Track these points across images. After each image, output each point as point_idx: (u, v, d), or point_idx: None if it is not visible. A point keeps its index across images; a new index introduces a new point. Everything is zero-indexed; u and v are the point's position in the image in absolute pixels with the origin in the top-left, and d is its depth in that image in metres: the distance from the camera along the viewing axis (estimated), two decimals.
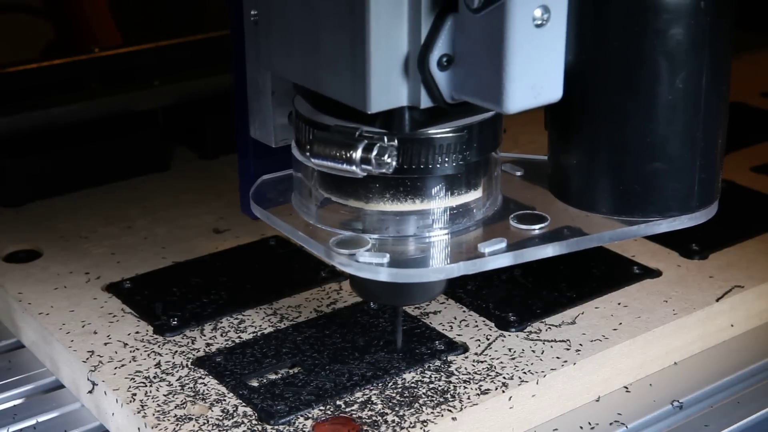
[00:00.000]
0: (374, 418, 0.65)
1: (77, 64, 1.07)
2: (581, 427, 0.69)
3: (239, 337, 0.73)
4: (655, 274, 0.80)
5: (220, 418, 0.65)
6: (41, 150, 0.97)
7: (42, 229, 0.89)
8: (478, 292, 0.78)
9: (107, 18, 1.18)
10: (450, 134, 0.62)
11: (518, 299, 0.77)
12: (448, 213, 0.65)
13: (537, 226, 0.66)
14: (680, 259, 0.82)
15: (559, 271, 0.80)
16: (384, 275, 0.62)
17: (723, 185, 0.92)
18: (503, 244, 0.64)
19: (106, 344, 0.72)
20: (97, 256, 0.84)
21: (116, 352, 0.71)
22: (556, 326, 0.74)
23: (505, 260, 0.64)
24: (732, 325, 0.78)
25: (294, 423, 0.64)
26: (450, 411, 0.65)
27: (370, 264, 0.62)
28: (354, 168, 0.61)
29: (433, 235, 0.65)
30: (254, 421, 0.65)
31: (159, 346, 0.72)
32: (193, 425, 0.64)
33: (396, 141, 0.61)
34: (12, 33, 1.12)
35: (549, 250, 0.65)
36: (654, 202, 0.64)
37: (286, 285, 0.79)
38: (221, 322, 0.75)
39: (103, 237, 0.87)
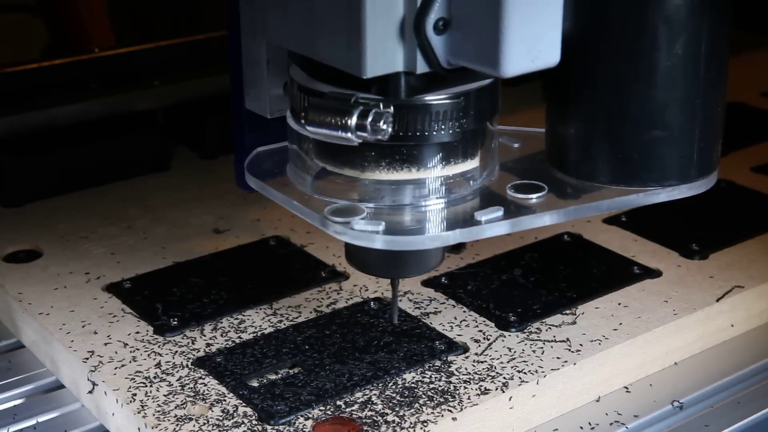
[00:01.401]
0: (374, 418, 0.65)
1: (77, 64, 1.07)
2: (581, 427, 0.69)
3: (239, 337, 0.73)
4: (655, 274, 0.80)
5: (220, 418, 0.65)
6: (41, 150, 0.96)
7: (42, 229, 0.89)
8: (478, 292, 0.78)
9: (102, 19, 1.18)
10: (446, 101, 0.62)
11: (518, 299, 0.77)
12: (444, 182, 0.65)
13: (534, 195, 0.66)
14: (680, 259, 0.82)
15: (559, 271, 0.81)
16: (379, 243, 0.62)
17: (723, 185, 0.93)
18: (500, 213, 0.64)
19: (106, 344, 0.72)
20: (97, 256, 0.84)
21: (116, 352, 0.71)
22: (556, 326, 0.74)
23: (501, 228, 0.64)
24: (732, 325, 0.78)
25: (294, 423, 0.64)
26: (450, 411, 0.65)
27: (365, 232, 0.62)
28: (349, 135, 0.60)
29: (429, 204, 0.65)
30: (254, 422, 0.65)
31: (159, 346, 0.72)
32: (193, 425, 0.64)
33: (392, 107, 0.61)
34: (12, 33, 1.12)
35: (546, 219, 0.65)
36: (653, 170, 0.64)
37: (286, 285, 0.79)
38: (221, 322, 0.75)
39: (103, 237, 0.87)
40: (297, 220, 0.88)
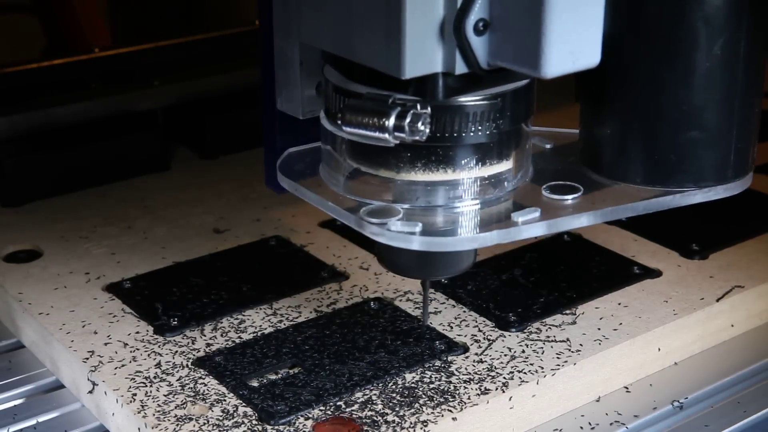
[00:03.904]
0: (374, 418, 0.65)
1: (77, 64, 1.07)
2: (581, 427, 0.69)
3: (239, 337, 0.73)
4: (655, 274, 0.80)
5: (221, 418, 0.65)
6: (41, 150, 0.97)
7: (42, 229, 0.89)
8: (478, 292, 0.78)
9: (98, 20, 1.18)
10: (484, 102, 0.62)
11: (518, 299, 0.77)
12: (479, 183, 0.64)
13: (570, 197, 0.65)
14: (680, 259, 0.82)
15: (559, 271, 0.81)
16: (416, 244, 0.62)
17: None
18: (537, 214, 0.63)
19: (106, 344, 0.72)
20: (97, 256, 0.84)
21: (116, 352, 0.71)
22: (556, 326, 0.74)
23: (538, 229, 0.63)
24: (732, 325, 0.78)
25: (294, 423, 0.64)
26: (450, 411, 0.65)
27: (402, 233, 0.62)
28: (387, 135, 0.59)
29: (464, 204, 0.64)
30: (254, 421, 0.65)
31: (159, 346, 0.72)
32: (194, 425, 0.64)
33: (429, 108, 0.60)
34: (12, 33, 1.12)
35: (583, 220, 0.64)
36: (689, 171, 0.64)
37: (286, 285, 0.79)
38: (221, 322, 0.75)
39: (103, 237, 0.87)
40: (297, 220, 0.89)
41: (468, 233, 0.63)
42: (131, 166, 0.99)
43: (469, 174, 0.64)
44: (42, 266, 0.83)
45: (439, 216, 0.64)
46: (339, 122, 0.62)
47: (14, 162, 0.94)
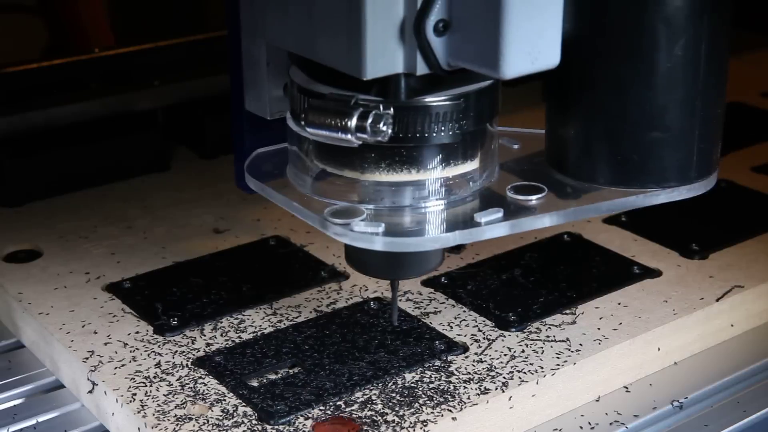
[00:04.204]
0: (374, 418, 0.65)
1: (77, 64, 1.07)
2: (581, 427, 0.69)
3: (239, 337, 0.73)
4: (655, 274, 0.80)
5: (220, 418, 0.65)
6: (41, 150, 0.96)
7: (42, 229, 0.89)
8: (478, 292, 0.78)
9: (102, 20, 1.18)
10: (446, 102, 0.62)
11: (518, 299, 0.77)
12: (444, 184, 0.65)
13: (534, 197, 0.66)
14: (680, 259, 0.82)
15: (559, 271, 0.81)
16: (379, 244, 0.62)
17: (723, 185, 0.93)
18: (500, 214, 0.64)
19: (106, 344, 0.72)
20: (97, 256, 0.84)
21: (116, 352, 0.71)
22: (556, 326, 0.74)
23: (501, 230, 0.64)
24: (732, 325, 0.78)
25: (294, 423, 0.64)
26: (450, 411, 0.65)
27: (365, 233, 0.62)
28: (349, 136, 0.60)
29: (429, 205, 0.65)
30: (254, 421, 0.65)
31: (159, 346, 0.72)
32: (193, 425, 0.64)
33: (392, 109, 0.61)
34: (12, 33, 1.12)
35: (546, 220, 0.65)
36: (652, 172, 0.64)
37: (286, 285, 0.79)
38: (221, 322, 0.75)
39: (103, 237, 0.87)
40: (297, 220, 0.88)
41: (431, 233, 0.64)
42: (131, 166, 0.99)
43: (433, 174, 0.64)
44: (42, 266, 0.83)
45: (403, 216, 0.65)
46: (302, 123, 0.62)
47: (14, 162, 0.94)
